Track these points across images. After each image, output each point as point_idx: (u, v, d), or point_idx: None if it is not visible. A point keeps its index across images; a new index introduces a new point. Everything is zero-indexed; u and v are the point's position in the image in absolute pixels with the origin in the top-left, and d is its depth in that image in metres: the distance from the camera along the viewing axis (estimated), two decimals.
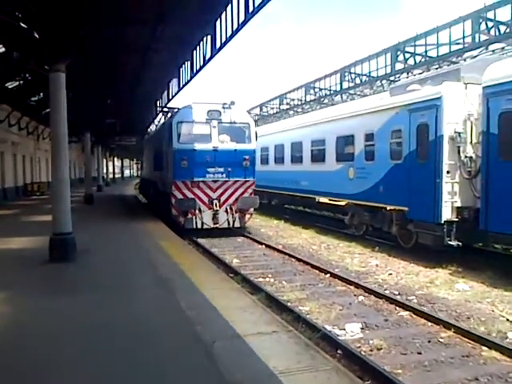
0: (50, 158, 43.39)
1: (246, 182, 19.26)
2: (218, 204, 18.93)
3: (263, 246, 17.04)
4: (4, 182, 32.81)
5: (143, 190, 37.98)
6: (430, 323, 8.61)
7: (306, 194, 21.25)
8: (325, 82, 30.52)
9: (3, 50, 24.22)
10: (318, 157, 19.70)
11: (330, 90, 30.13)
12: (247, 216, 19.77)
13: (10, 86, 30.38)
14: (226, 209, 19.12)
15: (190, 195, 18.70)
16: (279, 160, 24.24)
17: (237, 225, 19.46)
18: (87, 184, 28.47)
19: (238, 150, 18.99)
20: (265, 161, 26.18)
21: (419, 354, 7.31)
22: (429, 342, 7.76)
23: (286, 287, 11.28)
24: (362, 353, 7.26)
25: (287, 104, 36.53)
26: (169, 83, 25.75)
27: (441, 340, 7.84)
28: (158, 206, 23.28)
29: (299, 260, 14.20)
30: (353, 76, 27.23)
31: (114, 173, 78.69)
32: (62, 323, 6.80)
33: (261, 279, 12.12)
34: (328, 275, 12.32)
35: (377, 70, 25.51)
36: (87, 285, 8.95)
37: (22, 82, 29.71)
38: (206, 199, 18.95)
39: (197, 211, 18.74)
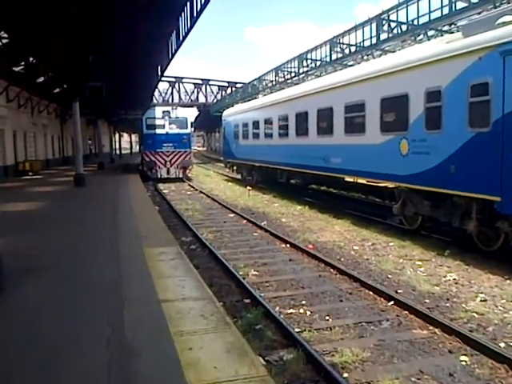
0: (48, 133, 39.75)
1: (186, 151, 33.41)
2: (169, 164, 32.97)
3: (288, 245, 12.98)
4: None
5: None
6: None
7: (338, 174, 17.05)
8: (356, 36, 25.70)
9: None
10: (355, 126, 15.44)
11: (362, 45, 25.07)
12: (187, 171, 34.28)
13: None
14: (174, 167, 33.07)
15: (153, 159, 32.80)
16: (302, 131, 19.93)
17: (180, 175, 33.26)
18: (77, 163, 24.35)
19: (180, 133, 33.11)
20: (284, 134, 21.88)
21: None
22: None
23: (334, 329, 7.20)
24: None
25: (307, 66, 31.82)
26: (168, 41, 21.44)
27: None
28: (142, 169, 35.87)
29: (342, 272, 10.09)
30: (392, 25, 22.43)
31: (120, 148, 74.72)
32: None
33: (291, 310, 8.10)
34: (391, 303, 8.21)
35: (429, 13, 20.38)
36: None
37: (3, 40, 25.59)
38: (162, 161, 32.91)
39: (157, 168, 32.75)
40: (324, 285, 9.48)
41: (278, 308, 8.18)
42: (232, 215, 18.49)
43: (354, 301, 8.53)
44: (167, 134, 32.91)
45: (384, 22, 22.24)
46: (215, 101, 69.63)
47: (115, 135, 75.62)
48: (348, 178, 16.40)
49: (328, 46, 26.84)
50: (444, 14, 21.17)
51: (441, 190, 11.35)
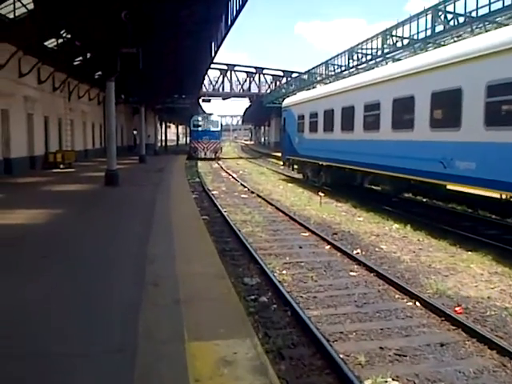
0: (88, 121, 35.01)
1: (216, 141, 52.60)
2: (206, 149, 51.97)
3: (416, 303, 7.98)
4: (9, 151, 24.80)
5: None
6: None
7: (464, 185, 12.02)
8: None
9: None
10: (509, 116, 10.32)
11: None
12: (217, 153, 52.83)
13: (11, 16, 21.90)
14: (209, 151, 52.09)
15: (196, 146, 52.38)
16: (402, 123, 14.88)
17: (213, 156, 51.39)
18: (109, 158, 19.85)
19: (213, 131, 52.34)
20: (372, 126, 16.80)
21: None
22: None
23: None
24: None
25: (393, 45, 25.87)
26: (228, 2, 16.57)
27: None
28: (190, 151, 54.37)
29: None
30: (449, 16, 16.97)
31: (166, 140, 70.73)
32: None
33: None
34: None
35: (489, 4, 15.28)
36: None
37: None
38: (202, 147, 51.89)
39: (198, 151, 51.97)
40: None
41: None
42: (306, 234, 13.61)
43: None
44: (205, 130, 51.89)
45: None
46: (268, 91, 64.59)
47: (162, 126, 71.77)
48: (491, 192, 11.32)
49: (430, 16, 21.21)
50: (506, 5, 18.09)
51: None
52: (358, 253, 11.36)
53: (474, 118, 11.16)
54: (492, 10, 18.88)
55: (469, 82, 11.32)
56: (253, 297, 8.35)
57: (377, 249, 11.89)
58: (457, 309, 7.74)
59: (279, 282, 9.01)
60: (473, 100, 11.18)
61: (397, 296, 8.46)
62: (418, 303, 8.01)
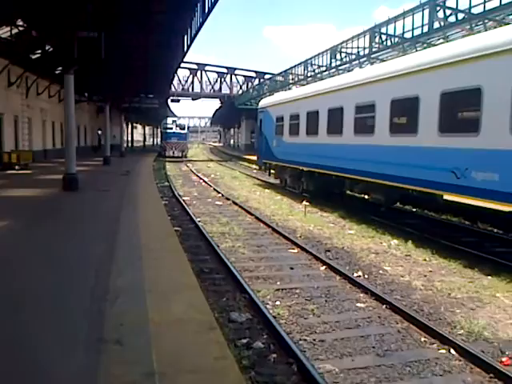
0: (48, 119, 31.76)
1: (184, 142, 59.67)
2: (174, 148, 58.41)
3: (451, 349, 6.36)
4: None
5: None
6: None
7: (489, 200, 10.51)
8: None
9: None
10: None
11: None
12: (184, 152, 59.41)
13: None
14: (177, 150, 58.43)
15: (166, 145, 59.04)
16: (402, 127, 13.40)
17: (179, 155, 58.01)
18: (68, 159, 17.71)
19: (181, 133, 59.06)
20: (365, 129, 15.21)
21: None
22: None
23: None
24: None
25: (381, 43, 23.91)
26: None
27: None
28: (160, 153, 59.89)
29: None
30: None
31: (132, 141, 68.37)
32: None
33: None
34: None
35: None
36: None
37: None
38: (171, 147, 58.25)
39: (167, 150, 58.13)
40: None
41: None
42: (295, 251, 11.90)
43: None
44: (174, 132, 58.15)
45: None
46: (240, 92, 62.77)
47: (128, 126, 69.32)
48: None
49: (427, 11, 19.38)
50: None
51: None
52: (359, 276, 9.73)
53: (497, 122, 9.59)
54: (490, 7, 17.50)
55: (491, 81, 9.75)
56: (244, 340, 6.56)
57: (380, 271, 10.23)
58: (503, 359, 6.13)
59: (274, 317, 7.26)
60: (496, 101, 9.61)
61: (423, 339, 6.79)
62: (452, 350, 6.35)
